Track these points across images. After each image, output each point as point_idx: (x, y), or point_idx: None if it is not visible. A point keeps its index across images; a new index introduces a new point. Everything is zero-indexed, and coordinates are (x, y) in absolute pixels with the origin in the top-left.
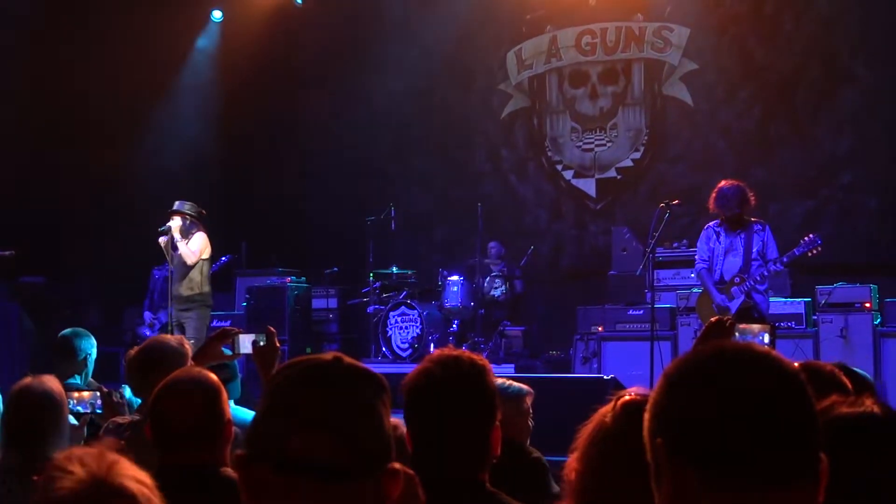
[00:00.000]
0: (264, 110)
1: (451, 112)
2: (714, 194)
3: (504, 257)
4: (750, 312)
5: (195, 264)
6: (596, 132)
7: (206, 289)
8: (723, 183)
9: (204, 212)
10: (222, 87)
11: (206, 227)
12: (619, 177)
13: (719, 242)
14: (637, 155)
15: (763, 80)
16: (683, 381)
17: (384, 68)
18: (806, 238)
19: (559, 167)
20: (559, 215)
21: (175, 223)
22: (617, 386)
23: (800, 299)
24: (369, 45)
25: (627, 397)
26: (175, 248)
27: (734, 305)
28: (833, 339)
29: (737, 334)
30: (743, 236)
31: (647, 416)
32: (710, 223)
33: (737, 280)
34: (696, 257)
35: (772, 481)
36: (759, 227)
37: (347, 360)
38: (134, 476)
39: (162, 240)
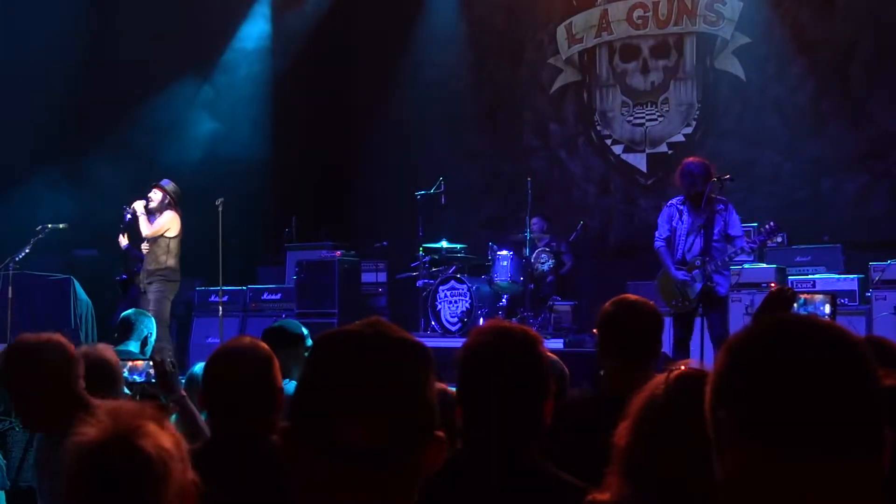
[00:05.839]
0: (315, 84)
1: (501, 86)
2: (679, 170)
3: (547, 232)
4: (711, 294)
5: (151, 238)
6: (647, 106)
7: (171, 263)
8: (688, 159)
9: (177, 194)
10: (273, 62)
11: (179, 209)
12: (669, 152)
13: (682, 222)
14: (688, 130)
15: (816, 53)
16: (747, 353)
17: (434, 41)
18: (766, 226)
19: (608, 142)
20: (608, 191)
21: (139, 205)
22: (666, 360)
23: (853, 276)
24: (420, 18)
25: (682, 368)
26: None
27: (696, 287)
28: (886, 315)
29: (795, 306)
30: (704, 217)
31: (708, 388)
32: (673, 200)
33: (697, 263)
34: (656, 234)
35: (836, 453)
36: (722, 206)
37: (389, 332)
38: (157, 441)
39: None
